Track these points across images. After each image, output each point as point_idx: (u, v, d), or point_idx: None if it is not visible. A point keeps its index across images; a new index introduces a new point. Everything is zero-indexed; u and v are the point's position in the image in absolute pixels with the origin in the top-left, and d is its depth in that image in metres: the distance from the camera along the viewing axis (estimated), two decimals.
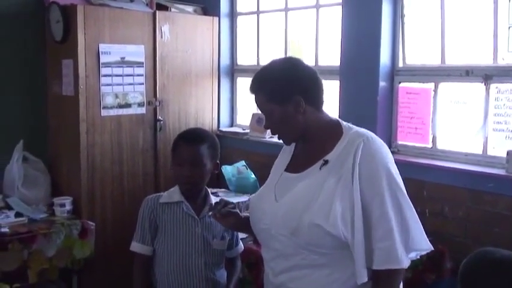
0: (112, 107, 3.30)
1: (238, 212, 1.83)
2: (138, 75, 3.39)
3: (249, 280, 2.47)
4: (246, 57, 3.92)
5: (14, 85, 3.44)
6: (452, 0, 2.76)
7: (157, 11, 3.49)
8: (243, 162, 3.48)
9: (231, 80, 3.96)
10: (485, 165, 2.60)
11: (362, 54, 2.98)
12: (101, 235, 3.19)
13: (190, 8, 3.81)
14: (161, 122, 3.54)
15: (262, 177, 2.80)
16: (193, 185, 1.96)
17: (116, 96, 3.32)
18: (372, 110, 2.94)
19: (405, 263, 1.47)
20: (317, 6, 3.38)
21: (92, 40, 3.18)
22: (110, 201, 3.34)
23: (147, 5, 3.52)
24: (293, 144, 1.67)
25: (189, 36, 3.64)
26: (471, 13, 2.72)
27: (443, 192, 2.68)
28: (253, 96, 1.61)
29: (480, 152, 2.66)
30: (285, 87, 1.53)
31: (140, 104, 3.43)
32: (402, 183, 1.52)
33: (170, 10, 3.66)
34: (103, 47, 3.22)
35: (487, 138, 2.62)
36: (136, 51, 3.37)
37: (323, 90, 1.60)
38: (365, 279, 1.45)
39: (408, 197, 1.51)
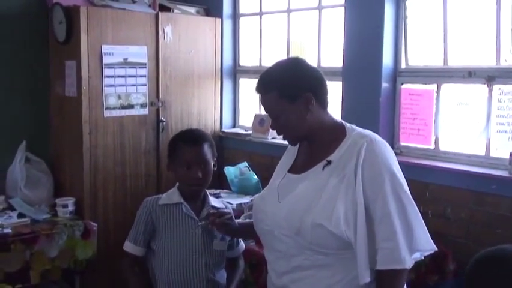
0: (114, 108, 3.31)
1: (234, 221, 1.88)
2: (141, 76, 3.40)
3: (251, 281, 2.47)
4: (248, 59, 3.92)
5: (17, 86, 3.45)
6: (454, 1, 2.76)
7: (160, 12, 3.50)
8: (245, 163, 3.48)
9: (234, 81, 3.96)
10: (488, 167, 2.60)
11: (364, 55, 2.98)
12: (104, 236, 3.20)
13: (192, 9, 3.82)
14: (164, 123, 3.54)
15: (264, 178, 2.82)
16: (203, 185, 1.98)
17: (119, 97, 3.32)
18: (375, 111, 2.94)
19: (409, 264, 1.47)
20: (320, 8, 3.38)
21: (95, 41, 3.19)
22: (112, 202, 3.34)
23: (150, 6, 3.53)
24: (297, 145, 1.68)
25: (192, 37, 3.65)
26: (474, 14, 2.72)
27: (446, 193, 2.68)
28: (259, 97, 1.61)
29: (483, 153, 2.66)
30: (296, 84, 1.54)
31: (142, 105, 3.43)
32: (406, 184, 1.52)
33: (172, 11, 3.66)
34: (105, 48, 3.23)
35: (489, 139, 2.62)
36: (139, 52, 3.37)
37: (327, 91, 1.61)
38: (367, 280, 1.45)
39: (412, 198, 1.51)
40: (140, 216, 1.99)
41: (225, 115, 3.93)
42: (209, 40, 3.74)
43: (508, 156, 2.49)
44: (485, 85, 2.61)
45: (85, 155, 3.21)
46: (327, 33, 3.36)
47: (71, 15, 3.17)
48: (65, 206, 3.12)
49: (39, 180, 3.30)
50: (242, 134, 3.76)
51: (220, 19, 3.82)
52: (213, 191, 3.25)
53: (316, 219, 1.46)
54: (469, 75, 2.68)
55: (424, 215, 2.76)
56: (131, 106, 3.38)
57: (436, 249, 1.55)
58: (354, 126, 1.60)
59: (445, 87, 2.81)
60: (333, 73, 3.27)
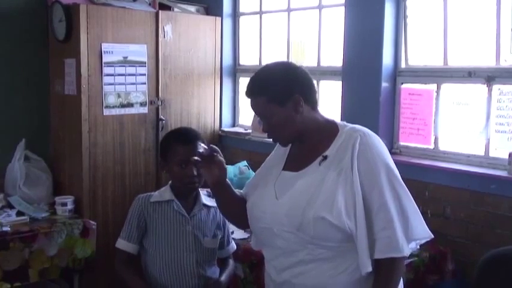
0: (114, 107, 3.30)
1: (223, 162, 1.74)
2: (140, 74, 3.39)
3: (250, 280, 2.47)
4: (248, 58, 3.92)
5: (16, 84, 3.44)
6: (454, 1, 2.76)
7: (160, 11, 3.49)
8: (244, 163, 3.48)
9: (233, 80, 3.96)
10: (487, 167, 2.60)
11: (364, 55, 2.98)
12: (103, 234, 3.19)
13: (192, 8, 3.82)
14: (164, 121, 3.54)
15: None
16: (199, 182, 2.00)
17: (119, 96, 3.32)
18: (375, 110, 2.94)
19: (406, 252, 1.51)
20: (320, 7, 3.38)
21: (95, 39, 3.19)
22: (111, 201, 3.34)
23: (150, 4, 3.53)
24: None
25: (192, 36, 3.64)
26: (474, 14, 2.72)
27: (445, 193, 2.68)
28: (249, 100, 1.62)
29: (482, 153, 2.66)
30: (284, 87, 1.56)
31: (142, 104, 3.43)
32: (399, 175, 1.56)
33: (173, 10, 3.66)
34: (105, 46, 3.22)
35: (489, 139, 2.62)
36: (139, 51, 3.37)
37: (316, 91, 1.64)
38: (369, 269, 1.48)
39: (406, 188, 1.55)
40: (133, 213, 2.01)
41: (224, 114, 3.92)
42: (209, 39, 3.74)
43: (507, 156, 2.50)
44: (485, 85, 2.61)
45: (84, 154, 3.21)
46: (327, 32, 3.36)
47: (71, 13, 3.16)
48: (64, 204, 3.11)
49: (38, 178, 3.30)
50: (242, 133, 3.76)
51: (220, 18, 3.81)
52: None
53: (318, 213, 1.48)
54: (469, 75, 2.68)
55: (423, 214, 2.76)
56: (130, 105, 3.38)
57: (432, 236, 1.58)
58: (345, 123, 1.63)
59: (445, 87, 2.81)
60: (333, 72, 3.27)
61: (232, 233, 2.36)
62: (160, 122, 3.52)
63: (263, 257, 1.70)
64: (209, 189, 3.24)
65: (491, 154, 2.63)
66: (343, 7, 3.09)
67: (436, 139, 2.85)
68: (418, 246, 1.61)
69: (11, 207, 3.08)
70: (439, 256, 2.53)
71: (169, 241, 1.97)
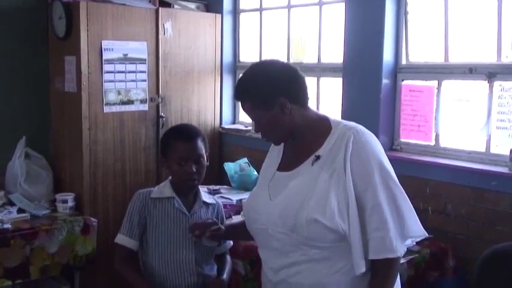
0: (114, 104, 3.30)
1: (220, 228, 1.90)
2: (141, 71, 3.39)
3: (251, 277, 2.47)
4: (248, 55, 3.92)
5: (17, 81, 3.44)
6: None
7: (160, 8, 3.49)
8: (245, 159, 3.48)
9: (234, 77, 3.95)
10: (488, 163, 2.60)
11: (365, 51, 2.97)
12: (104, 231, 3.20)
13: (192, 5, 3.81)
14: (164, 118, 3.54)
15: None
16: (199, 180, 1.99)
17: (119, 93, 3.32)
18: (375, 107, 2.93)
19: (401, 252, 1.51)
20: (320, 4, 3.37)
21: (95, 37, 3.18)
22: (112, 198, 3.34)
23: (150, 1, 3.52)
24: (282, 144, 1.69)
25: (192, 33, 3.64)
26: (475, 10, 2.71)
27: (446, 190, 2.68)
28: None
29: (483, 149, 2.65)
30: (267, 92, 1.54)
31: (142, 101, 3.43)
32: (394, 173, 1.54)
33: (173, 7, 3.65)
34: (105, 43, 3.22)
35: (490, 136, 2.62)
36: (139, 48, 3.37)
37: (306, 87, 1.60)
38: (363, 270, 1.48)
39: (400, 186, 1.54)
40: (134, 209, 1.99)
41: (224, 111, 3.92)
42: (209, 36, 3.74)
43: (508, 153, 2.49)
44: (486, 81, 2.61)
45: (84, 151, 3.21)
46: (328, 29, 3.35)
47: (71, 10, 3.16)
48: (64, 201, 3.12)
49: (39, 175, 3.30)
50: (242, 130, 3.76)
51: (220, 15, 3.81)
52: (212, 186, 3.25)
53: (311, 215, 1.47)
54: (470, 71, 2.67)
55: (424, 211, 2.78)
56: (131, 102, 3.38)
57: (427, 235, 1.58)
58: (339, 120, 1.62)
59: (446, 83, 2.80)
60: (333, 69, 3.27)
61: None
62: (161, 119, 3.52)
63: None
64: (209, 186, 3.26)
65: (492, 150, 2.62)
66: (343, 3, 3.08)
67: (437, 136, 2.84)
68: (414, 243, 1.61)
69: (12, 204, 3.08)
70: (440, 253, 2.53)
71: (169, 238, 1.96)
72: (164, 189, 2.01)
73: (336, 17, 3.26)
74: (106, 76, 3.24)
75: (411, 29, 2.93)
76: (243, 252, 2.48)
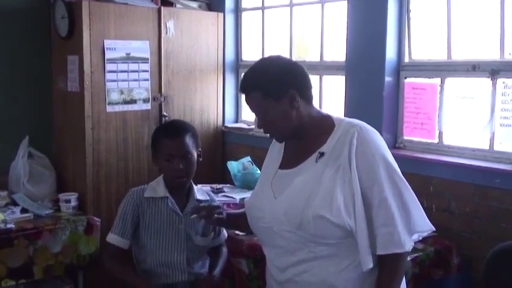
0: (117, 103, 3.30)
1: (223, 213, 1.86)
2: (143, 71, 3.39)
3: (255, 276, 2.47)
4: (251, 53, 3.91)
5: (20, 81, 3.45)
6: None
7: (162, 7, 3.49)
8: (248, 158, 3.48)
9: (236, 76, 3.95)
10: (492, 161, 2.59)
11: (367, 49, 2.97)
12: (107, 231, 3.12)
13: (195, 4, 3.81)
14: (167, 117, 3.53)
15: None
16: (187, 177, 1.97)
17: (122, 92, 3.32)
18: (378, 105, 2.93)
19: (408, 246, 1.51)
20: (322, 2, 3.37)
21: (98, 36, 3.18)
22: (115, 197, 3.34)
23: (152, 0, 3.52)
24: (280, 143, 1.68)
25: (194, 32, 3.64)
26: (478, 7, 2.70)
27: (450, 187, 2.67)
28: (244, 96, 1.62)
29: (487, 147, 2.64)
30: (280, 82, 1.54)
31: (145, 100, 3.43)
32: (399, 169, 1.54)
33: (175, 6, 3.65)
34: (108, 43, 3.22)
35: (493, 133, 2.61)
36: (141, 47, 3.37)
37: (311, 85, 1.62)
38: (370, 266, 1.48)
39: (406, 181, 1.53)
40: (127, 208, 1.98)
41: (227, 110, 3.92)
42: (211, 35, 3.73)
43: None
44: (489, 79, 2.60)
45: (87, 150, 3.21)
46: (330, 27, 3.35)
47: (74, 10, 3.16)
48: (68, 201, 3.12)
49: (42, 175, 3.31)
50: (245, 128, 3.75)
51: (222, 14, 3.80)
52: (216, 185, 3.25)
53: (318, 211, 1.47)
54: (473, 68, 2.67)
55: (428, 209, 2.76)
56: (133, 101, 3.38)
57: (434, 229, 1.58)
58: (341, 117, 1.62)
59: (449, 81, 2.79)
60: (336, 67, 3.26)
61: None
62: (163, 118, 3.52)
63: None
64: (212, 185, 3.25)
65: (496, 148, 2.61)
66: (345, 1, 3.08)
67: (440, 133, 2.83)
68: (420, 238, 1.61)
69: (15, 204, 3.09)
70: (444, 251, 2.53)
71: (161, 239, 1.95)
72: (157, 187, 1.99)
73: (338, 15, 3.25)
74: (109, 75, 3.24)
75: (414, 27, 2.92)
76: (246, 251, 2.48)
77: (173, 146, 1.93)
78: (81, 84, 3.18)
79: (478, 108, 2.66)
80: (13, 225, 2.82)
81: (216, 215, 1.82)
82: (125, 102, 3.34)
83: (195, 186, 2.06)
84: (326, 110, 3.43)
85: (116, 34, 3.26)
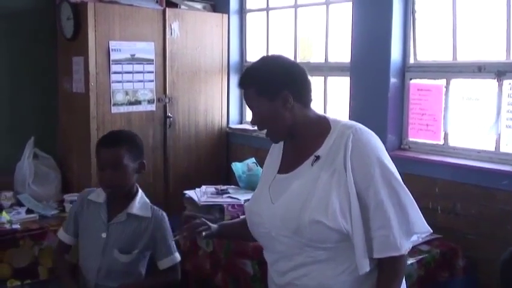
0: (122, 104, 3.31)
1: (210, 227, 1.78)
2: (148, 72, 3.40)
3: (259, 277, 2.47)
4: (255, 54, 3.91)
5: (25, 82, 3.46)
6: None
7: (167, 8, 3.49)
8: (253, 159, 3.47)
9: None
10: (498, 162, 2.58)
11: (372, 50, 2.96)
12: None
13: (199, 5, 3.81)
14: (171, 119, 3.54)
15: None
16: (116, 188, 1.93)
17: (126, 93, 3.33)
18: (383, 106, 2.92)
19: (406, 249, 1.50)
20: (327, 3, 3.36)
21: (103, 37, 3.19)
22: None
23: (157, 2, 3.52)
24: (281, 145, 1.67)
25: (199, 33, 3.64)
26: (483, 8, 2.69)
27: (455, 189, 2.66)
28: (242, 91, 1.61)
29: (493, 149, 2.63)
30: (275, 82, 1.53)
31: (150, 101, 3.43)
32: (396, 170, 1.52)
33: (179, 7, 3.66)
34: (113, 44, 3.22)
35: (499, 135, 2.60)
36: (146, 48, 3.37)
37: (311, 89, 1.60)
38: (367, 269, 1.47)
39: (402, 183, 1.51)
40: (73, 206, 2.08)
41: (231, 111, 3.92)
42: (216, 36, 3.74)
43: None
44: (495, 80, 2.59)
45: (92, 151, 3.19)
46: (335, 28, 3.34)
47: (79, 11, 3.17)
48: (73, 201, 3.10)
49: (47, 176, 3.32)
50: (249, 129, 3.75)
51: (227, 15, 3.81)
52: (220, 187, 3.25)
53: (314, 216, 1.46)
54: (479, 70, 2.66)
55: (433, 211, 2.75)
56: (138, 102, 3.38)
57: (431, 231, 1.56)
58: (337, 119, 1.59)
59: (454, 82, 2.78)
60: (341, 68, 3.26)
61: None
62: (168, 120, 3.53)
63: None
64: (217, 186, 3.23)
65: (502, 149, 2.60)
66: (350, 2, 3.07)
67: (446, 135, 2.82)
68: (420, 240, 1.61)
69: (21, 205, 3.10)
70: (450, 253, 2.52)
71: (85, 242, 1.99)
72: (101, 193, 1.99)
73: (343, 16, 3.25)
74: (114, 77, 3.25)
75: (419, 28, 2.91)
76: (251, 252, 2.48)
77: (104, 156, 1.91)
78: (86, 85, 3.19)
79: (483, 109, 2.65)
80: (19, 226, 2.83)
81: (203, 232, 1.75)
82: (130, 103, 3.35)
83: (139, 199, 2.00)
84: (330, 111, 3.46)
85: (121, 35, 3.27)
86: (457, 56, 2.77)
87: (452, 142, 2.81)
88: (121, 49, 3.26)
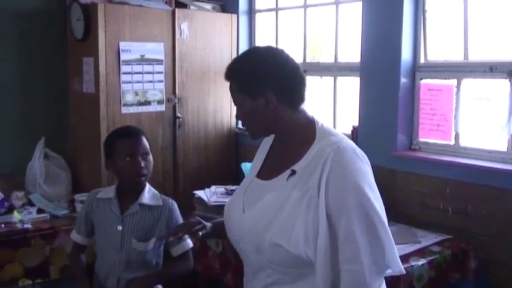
0: (132, 105, 3.32)
1: (205, 226, 1.67)
2: (158, 72, 3.41)
3: None
4: None
5: (36, 83, 3.48)
6: None
7: (176, 9, 3.50)
8: None
9: None
10: (510, 163, 2.55)
11: (382, 50, 2.95)
12: None
13: (208, 6, 3.82)
14: (181, 119, 3.55)
15: None
16: (147, 176, 1.98)
17: (136, 94, 3.34)
18: (393, 107, 2.90)
19: (374, 285, 1.34)
20: (337, 3, 3.35)
21: (113, 38, 3.21)
22: None
23: (166, 2, 3.54)
24: (269, 144, 1.58)
25: (208, 34, 3.64)
26: (494, 8, 2.67)
27: (467, 190, 2.64)
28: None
29: (504, 149, 2.61)
30: (258, 81, 1.41)
31: (159, 102, 3.44)
32: (378, 198, 1.36)
33: (189, 8, 3.67)
34: (123, 44, 3.24)
35: (511, 135, 2.57)
36: (156, 49, 3.38)
37: (301, 89, 1.45)
38: None
39: (382, 214, 1.35)
40: (83, 207, 2.11)
41: None
42: (225, 36, 3.74)
43: None
44: (507, 80, 2.57)
45: (102, 151, 3.21)
46: (345, 28, 3.33)
47: (89, 12, 3.19)
48: (83, 201, 3.13)
49: (58, 176, 3.34)
50: None
51: (236, 15, 3.81)
52: (229, 187, 3.25)
53: (275, 239, 1.36)
54: (490, 69, 2.64)
55: (444, 211, 2.73)
56: (148, 102, 3.39)
57: (404, 272, 1.43)
58: (325, 127, 1.45)
59: (465, 82, 2.76)
60: (350, 69, 3.25)
61: None
62: (177, 120, 3.54)
63: None
64: (226, 187, 3.23)
65: None
66: (360, 2, 3.06)
67: (457, 135, 2.81)
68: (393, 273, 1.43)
69: (32, 204, 3.12)
70: (461, 254, 2.50)
71: (102, 239, 2.01)
72: (109, 190, 2.04)
73: (353, 16, 3.24)
74: (124, 77, 3.26)
75: (430, 27, 2.89)
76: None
77: (133, 145, 1.95)
78: (96, 86, 3.21)
79: (495, 109, 2.63)
80: (30, 226, 2.85)
81: (199, 232, 1.63)
82: (140, 103, 3.36)
83: (148, 190, 2.02)
84: (340, 111, 3.44)
85: (131, 36, 3.28)
86: (468, 55, 2.75)
87: (463, 142, 2.79)
88: (130, 50, 3.28)
